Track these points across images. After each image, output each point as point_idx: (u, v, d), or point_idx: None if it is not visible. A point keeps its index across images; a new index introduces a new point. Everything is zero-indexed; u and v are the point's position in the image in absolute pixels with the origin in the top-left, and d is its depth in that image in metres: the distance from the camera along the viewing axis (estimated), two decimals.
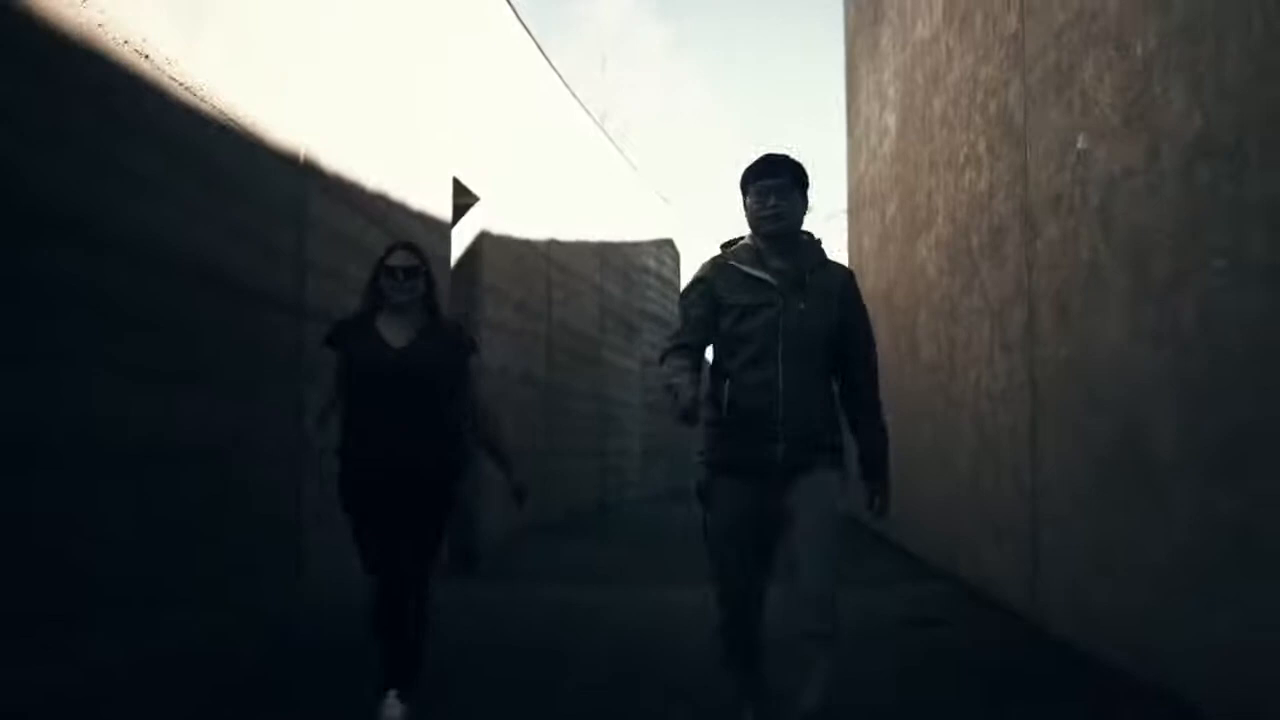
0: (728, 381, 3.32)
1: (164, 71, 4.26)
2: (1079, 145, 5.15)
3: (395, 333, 3.93)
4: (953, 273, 7.66)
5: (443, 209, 7.67)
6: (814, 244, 3.49)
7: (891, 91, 10.17)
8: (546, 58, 11.36)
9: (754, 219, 3.39)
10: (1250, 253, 3.65)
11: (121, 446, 3.97)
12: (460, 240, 8.54)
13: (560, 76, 12.03)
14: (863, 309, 3.50)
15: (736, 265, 3.38)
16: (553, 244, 11.46)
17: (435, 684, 4.11)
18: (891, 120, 10.19)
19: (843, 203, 14.52)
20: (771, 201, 3.33)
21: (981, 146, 6.84)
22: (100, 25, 3.85)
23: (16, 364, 3.42)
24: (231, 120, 4.79)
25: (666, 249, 19.42)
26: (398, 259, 3.97)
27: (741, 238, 3.51)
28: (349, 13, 6.14)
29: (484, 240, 8.83)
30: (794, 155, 3.44)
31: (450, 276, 7.89)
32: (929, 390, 8.38)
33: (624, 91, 34.35)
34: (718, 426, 3.35)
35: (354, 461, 3.86)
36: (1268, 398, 3.51)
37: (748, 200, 3.40)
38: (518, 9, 10.02)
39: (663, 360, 3.33)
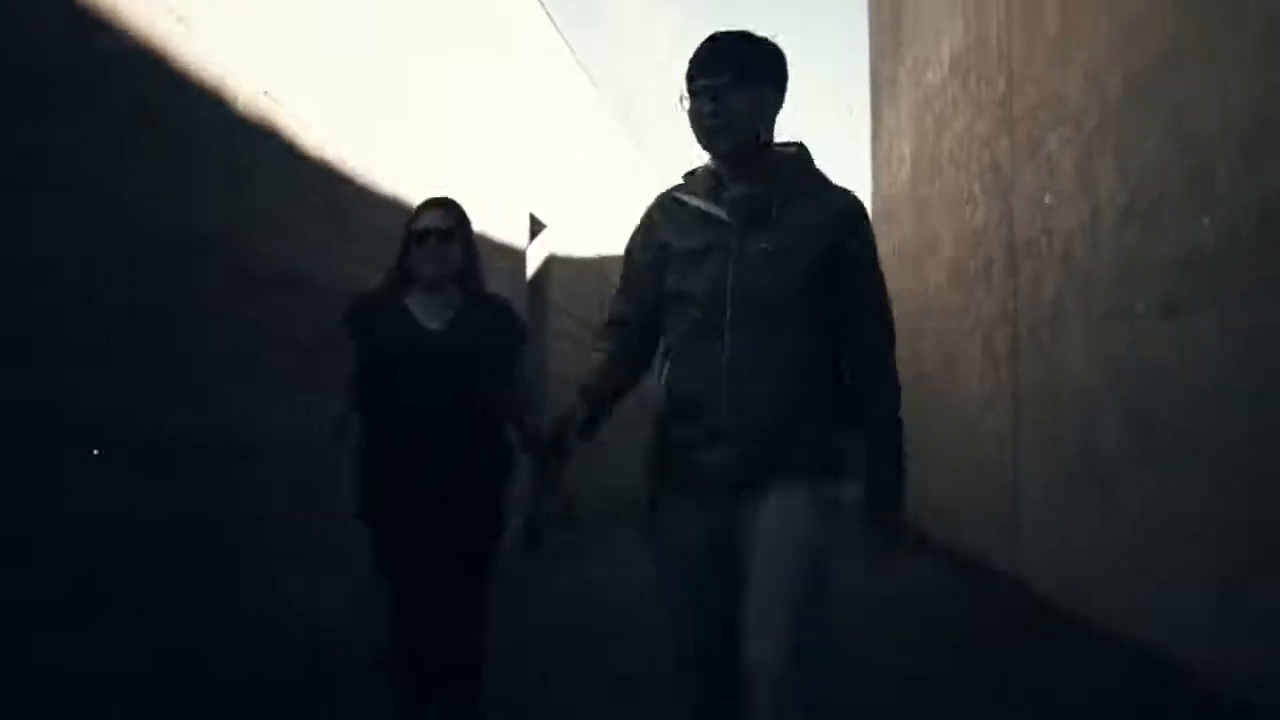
0: (668, 360, 2.51)
1: (323, 151, 5.53)
2: (1046, 200, 6.38)
3: (429, 312, 3.23)
4: (954, 292, 8.87)
5: (522, 240, 8.98)
6: (795, 159, 2.51)
7: (907, 126, 11.36)
8: (592, 81, 12.59)
9: (695, 132, 2.48)
10: (1156, 297, 4.88)
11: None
12: (531, 264, 9.85)
13: (597, 88, 13.22)
14: (869, 255, 2.49)
15: (684, 198, 2.52)
16: (605, 259, 12.75)
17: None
18: (908, 150, 11.39)
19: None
20: (709, 108, 2.40)
21: (978, 189, 8.05)
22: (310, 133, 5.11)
23: (247, 381, 4.69)
24: (369, 184, 6.06)
25: None
26: (426, 220, 3.24)
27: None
28: (448, 80, 7.41)
29: (550, 262, 10.13)
30: (762, 34, 2.52)
31: (526, 297, 9.19)
32: (931, 393, 9.61)
33: (641, 84, 35.05)
34: (660, 422, 2.57)
35: (379, 471, 3.22)
36: (1176, 411, 4.74)
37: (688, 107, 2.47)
38: (562, 29, 11.18)
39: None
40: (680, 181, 2.61)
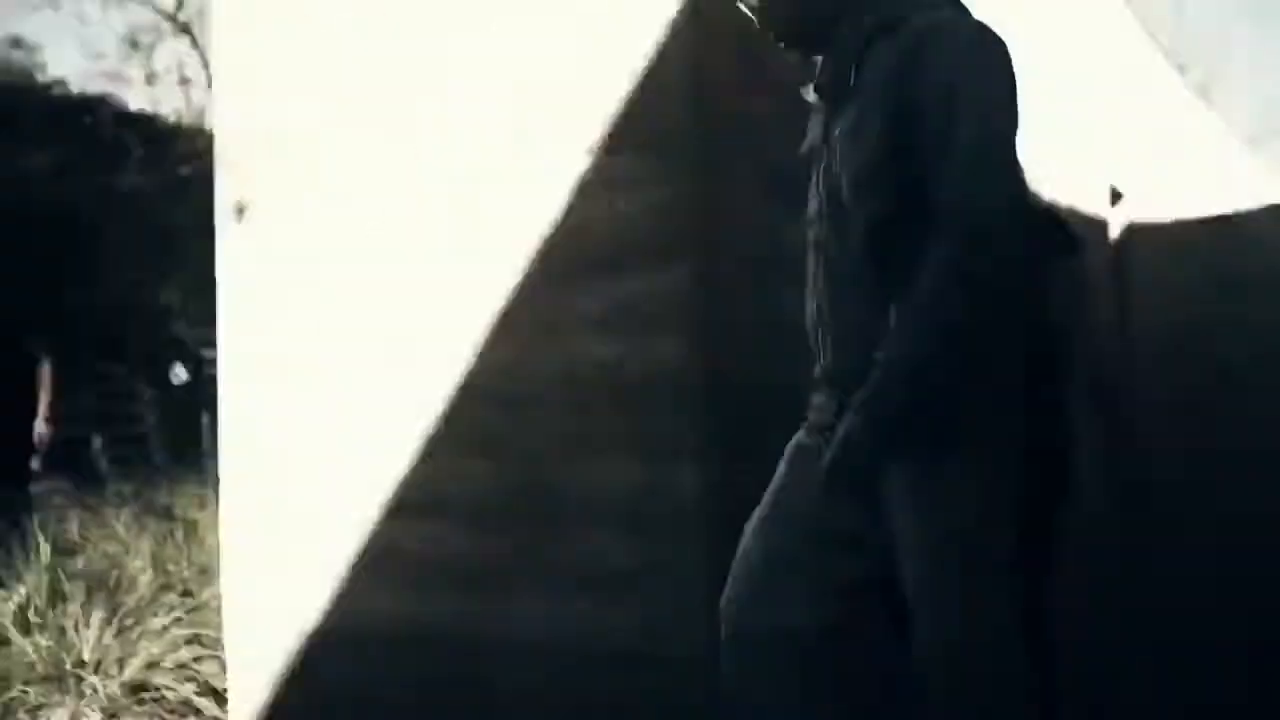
0: None
1: None
2: None
3: None
4: None
5: (1104, 213, 8.52)
6: (891, 4, 1.77)
7: None
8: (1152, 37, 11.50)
9: None
10: None
11: None
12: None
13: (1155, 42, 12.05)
14: (948, 102, 1.65)
15: (805, 93, 1.93)
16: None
17: None
18: None
19: None
20: (751, 4, 1.89)
21: None
22: None
23: None
24: None
25: None
26: None
27: None
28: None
29: (1130, 231, 9.46)
30: None
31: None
32: None
33: (1205, 42, 31.57)
34: None
35: None
36: None
37: None
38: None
39: None
40: None
